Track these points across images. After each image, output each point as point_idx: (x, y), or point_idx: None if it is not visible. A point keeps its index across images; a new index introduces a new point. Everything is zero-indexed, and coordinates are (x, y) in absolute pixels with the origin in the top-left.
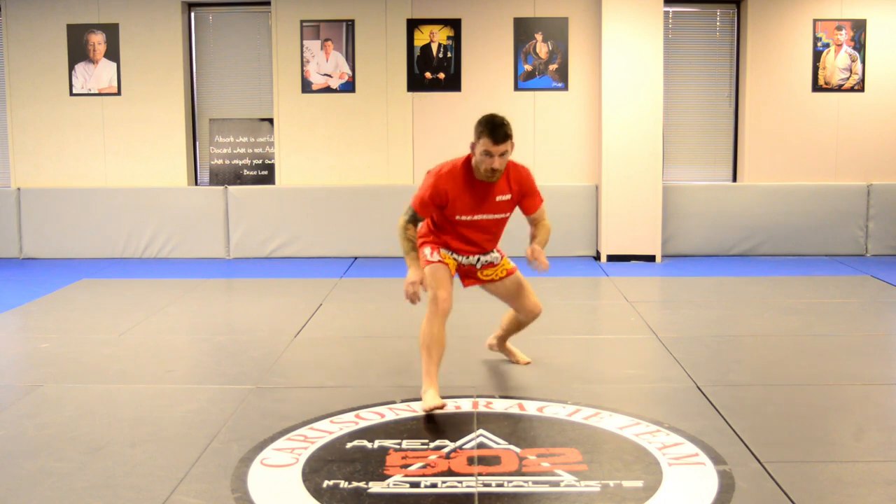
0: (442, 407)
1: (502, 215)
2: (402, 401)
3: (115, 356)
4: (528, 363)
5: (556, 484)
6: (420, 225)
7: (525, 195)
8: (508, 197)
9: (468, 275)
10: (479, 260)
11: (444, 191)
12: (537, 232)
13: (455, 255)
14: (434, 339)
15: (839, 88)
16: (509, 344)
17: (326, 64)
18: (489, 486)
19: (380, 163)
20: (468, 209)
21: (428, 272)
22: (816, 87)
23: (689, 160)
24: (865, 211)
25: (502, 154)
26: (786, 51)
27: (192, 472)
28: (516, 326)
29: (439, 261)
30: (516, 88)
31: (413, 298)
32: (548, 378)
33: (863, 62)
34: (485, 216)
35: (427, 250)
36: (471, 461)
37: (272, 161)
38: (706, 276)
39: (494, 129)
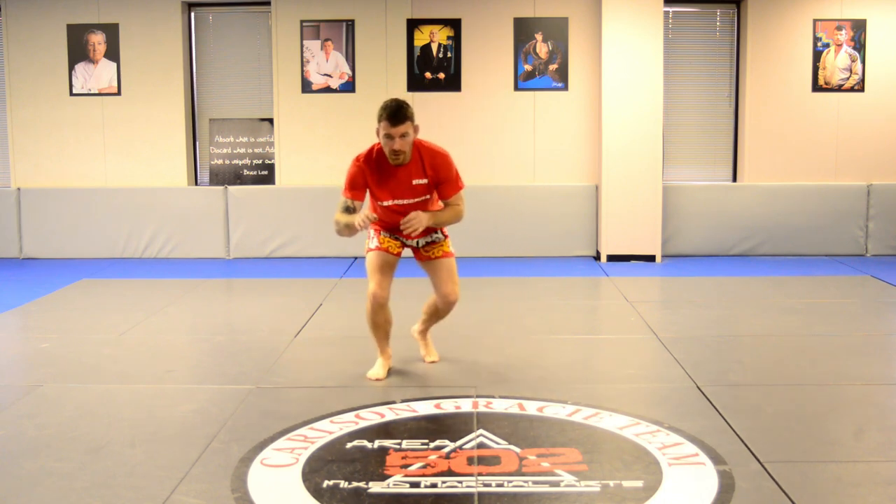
0: (380, 379)
1: (422, 198)
2: (402, 401)
3: (115, 356)
4: (433, 362)
5: (556, 484)
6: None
7: (441, 181)
8: (425, 181)
9: (415, 251)
10: (418, 242)
11: (361, 173)
12: (443, 210)
13: (398, 238)
14: (378, 325)
15: (839, 88)
16: (428, 336)
17: (326, 64)
18: (489, 486)
19: None
20: (386, 194)
21: (367, 259)
22: (816, 87)
23: (689, 160)
24: (865, 211)
25: (402, 135)
26: (786, 51)
27: (192, 472)
28: (434, 314)
29: (377, 247)
30: (516, 88)
31: (363, 226)
32: (548, 378)
33: (863, 62)
34: (404, 201)
35: (371, 233)
36: (471, 461)
37: (272, 161)
38: (706, 276)
39: (391, 111)
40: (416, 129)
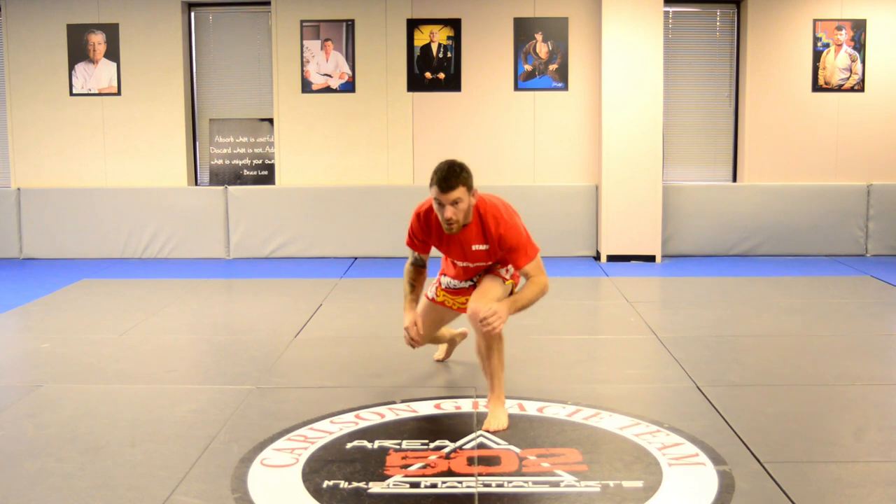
0: (438, 360)
1: (485, 263)
2: (402, 401)
3: (115, 356)
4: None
5: (556, 484)
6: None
7: (509, 250)
8: (485, 248)
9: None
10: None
11: (421, 230)
12: (522, 289)
13: (461, 284)
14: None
15: (839, 88)
16: (493, 397)
17: (326, 64)
18: (489, 486)
19: (380, 163)
20: (447, 252)
21: (421, 301)
22: (816, 87)
23: (689, 160)
24: (865, 211)
25: (454, 202)
26: (786, 51)
27: (192, 472)
28: (478, 351)
29: (433, 299)
30: (516, 88)
31: (412, 343)
32: (548, 378)
33: (863, 62)
34: (468, 263)
35: (432, 285)
36: (471, 461)
37: (272, 161)
38: (706, 276)
39: (441, 175)
40: (473, 193)
